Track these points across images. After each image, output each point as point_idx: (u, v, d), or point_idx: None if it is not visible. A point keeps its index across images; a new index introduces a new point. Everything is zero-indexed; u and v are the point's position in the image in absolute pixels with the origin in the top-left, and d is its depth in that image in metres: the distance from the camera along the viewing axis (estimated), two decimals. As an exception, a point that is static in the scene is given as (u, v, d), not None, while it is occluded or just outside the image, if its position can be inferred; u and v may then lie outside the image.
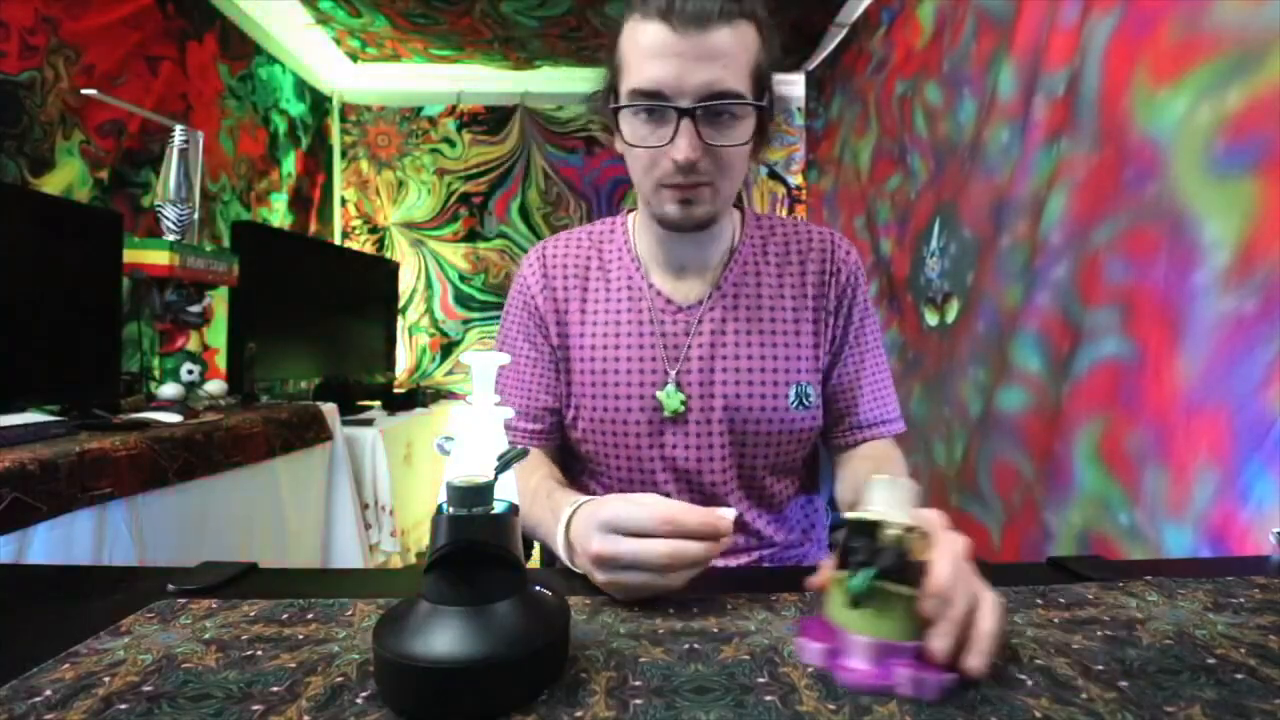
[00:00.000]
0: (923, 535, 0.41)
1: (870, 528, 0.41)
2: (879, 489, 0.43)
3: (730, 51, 0.65)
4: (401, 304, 3.19)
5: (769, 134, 0.76)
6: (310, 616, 0.49)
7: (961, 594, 0.40)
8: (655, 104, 0.67)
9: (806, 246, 0.83)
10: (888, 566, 0.39)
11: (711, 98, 0.65)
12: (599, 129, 3.27)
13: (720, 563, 0.82)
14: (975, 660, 0.38)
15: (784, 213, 3.32)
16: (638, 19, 0.67)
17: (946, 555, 0.41)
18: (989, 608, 0.40)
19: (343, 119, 3.29)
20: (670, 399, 0.78)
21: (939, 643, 0.39)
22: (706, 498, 0.80)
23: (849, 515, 0.42)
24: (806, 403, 0.79)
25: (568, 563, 0.59)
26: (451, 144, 3.29)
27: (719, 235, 0.81)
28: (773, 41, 0.70)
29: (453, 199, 3.29)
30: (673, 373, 0.78)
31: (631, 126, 0.70)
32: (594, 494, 0.86)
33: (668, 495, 0.80)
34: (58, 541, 1.02)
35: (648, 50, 0.66)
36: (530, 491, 0.71)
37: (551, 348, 0.83)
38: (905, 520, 0.41)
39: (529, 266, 0.86)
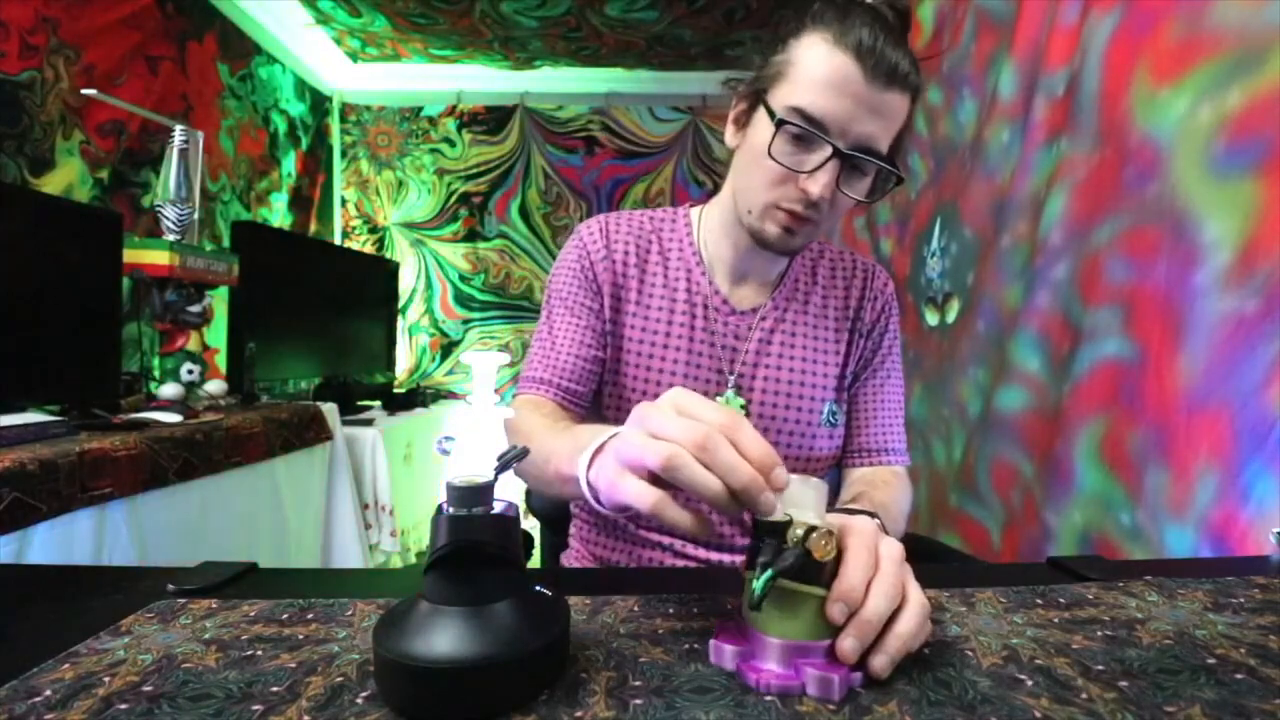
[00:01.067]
0: (829, 535, 0.39)
1: (776, 528, 0.40)
2: (790, 488, 0.42)
3: (895, 115, 0.67)
4: (401, 304, 3.19)
5: (877, 199, 0.76)
6: (310, 616, 0.49)
7: (877, 594, 0.39)
8: (816, 134, 0.66)
9: (850, 272, 0.87)
10: (786, 568, 0.38)
11: (865, 150, 0.67)
12: (599, 129, 3.27)
13: (722, 559, 0.83)
14: (878, 659, 0.38)
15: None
16: (829, 41, 0.65)
17: (858, 556, 0.40)
18: (909, 609, 0.40)
19: (343, 119, 3.29)
20: (732, 404, 0.79)
21: (844, 643, 0.38)
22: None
23: (758, 517, 0.42)
24: (834, 421, 0.83)
25: (589, 498, 0.49)
26: (451, 144, 3.29)
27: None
28: (915, 111, 0.71)
29: (453, 199, 3.29)
30: (731, 377, 0.80)
31: (776, 141, 0.68)
32: None
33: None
34: (58, 541, 1.02)
35: (830, 79, 0.65)
36: (541, 427, 0.67)
37: (603, 319, 0.81)
38: (813, 520, 0.40)
39: (591, 234, 0.83)
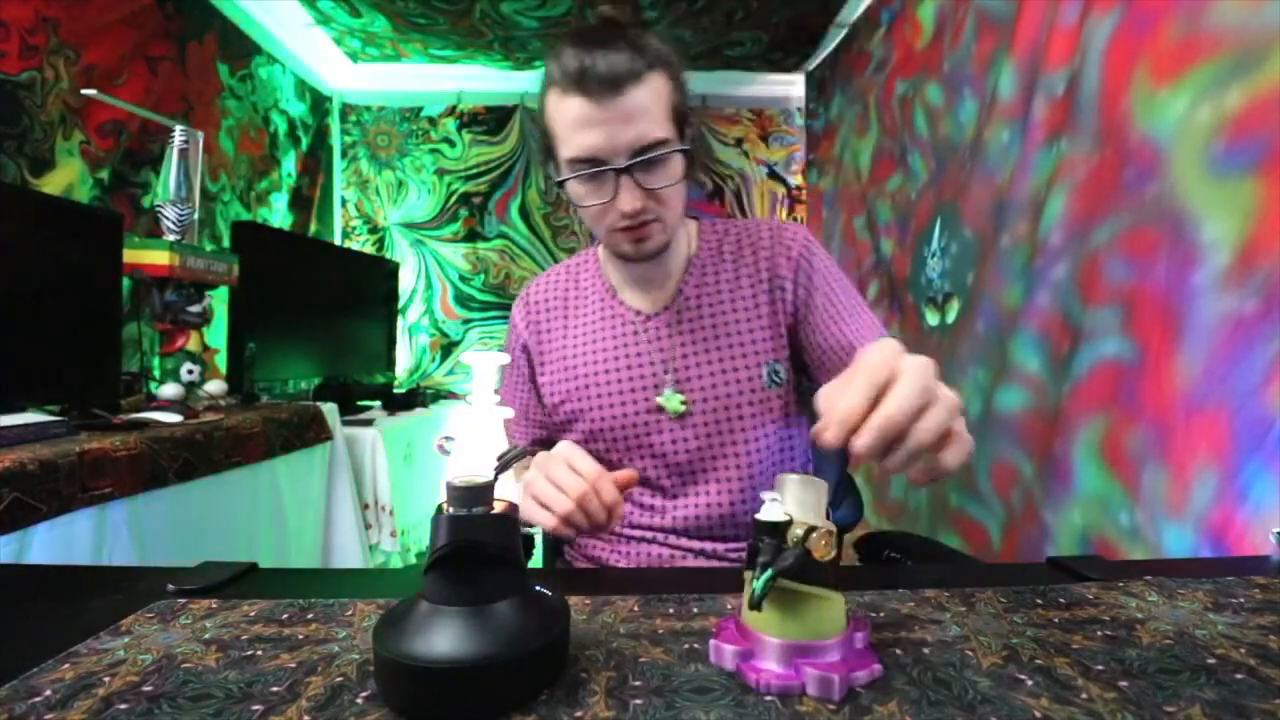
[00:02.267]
0: (829, 534, 0.39)
1: (776, 528, 0.40)
2: (790, 487, 0.42)
3: (647, 106, 0.71)
4: (401, 304, 3.19)
5: (697, 162, 0.83)
6: (310, 616, 0.49)
7: (866, 373, 0.42)
8: (593, 170, 0.73)
9: (756, 239, 0.89)
10: (786, 568, 0.38)
11: (641, 151, 0.72)
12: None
13: (721, 561, 0.83)
14: (860, 439, 0.40)
15: (784, 213, 3.32)
16: (558, 92, 0.72)
17: (866, 375, 0.43)
18: (899, 388, 0.42)
19: (343, 119, 3.29)
20: (670, 401, 0.84)
21: (827, 434, 0.41)
22: (703, 486, 0.84)
23: (757, 516, 0.42)
24: (778, 379, 0.84)
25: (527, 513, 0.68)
26: (451, 144, 3.29)
27: (676, 250, 0.87)
28: (680, 76, 0.76)
29: (453, 199, 3.29)
30: (668, 377, 0.84)
31: (576, 190, 0.76)
32: None
33: (663, 490, 0.86)
34: (58, 541, 1.02)
35: (574, 123, 0.72)
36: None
37: (537, 388, 0.94)
38: (812, 520, 0.40)
39: (516, 312, 0.96)
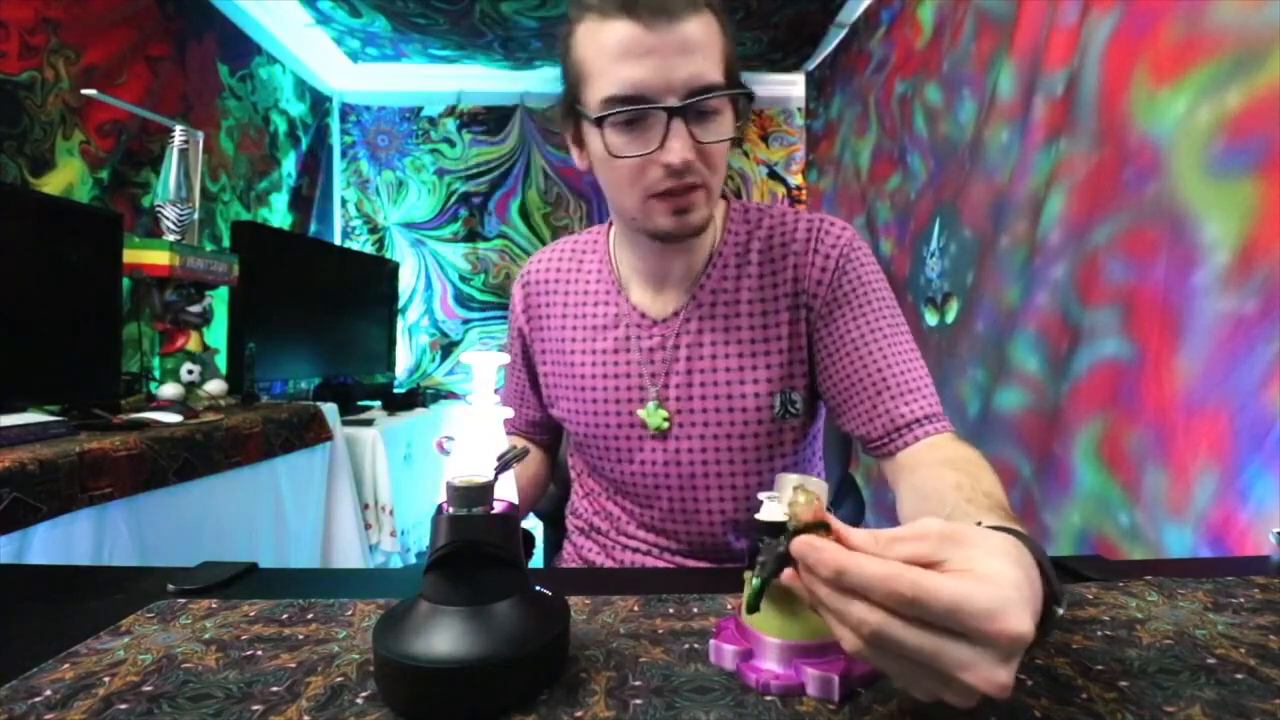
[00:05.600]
0: (826, 532, 0.39)
1: (776, 528, 0.39)
2: (789, 487, 0.41)
3: (705, 42, 0.61)
4: (401, 304, 3.19)
5: (745, 127, 0.71)
6: (310, 616, 0.49)
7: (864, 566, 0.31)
8: (642, 108, 0.60)
9: (790, 237, 0.74)
10: (769, 573, 0.37)
11: (698, 92, 0.60)
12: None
13: (717, 566, 0.82)
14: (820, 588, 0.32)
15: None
16: (595, 19, 0.61)
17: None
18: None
19: (343, 119, 3.29)
20: (652, 416, 0.75)
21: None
22: (694, 512, 0.78)
23: (757, 516, 0.41)
24: (794, 410, 0.74)
25: None
26: (451, 144, 3.29)
27: (700, 239, 0.74)
28: (732, 31, 0.66)
29: (453, 199, 3.29)
30: (653, 390, 0.76)
31: (612, 139, 0.63)
32: (592, 492, 0.88)
33: (654, 507, 0.80)
34: (58, 541, 1.02)
35: (618, 50, 0.60)
36: None
37: (533, 373, 0.88)
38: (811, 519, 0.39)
39: (516, 290, 0.88)
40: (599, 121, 0.63)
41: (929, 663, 0.29)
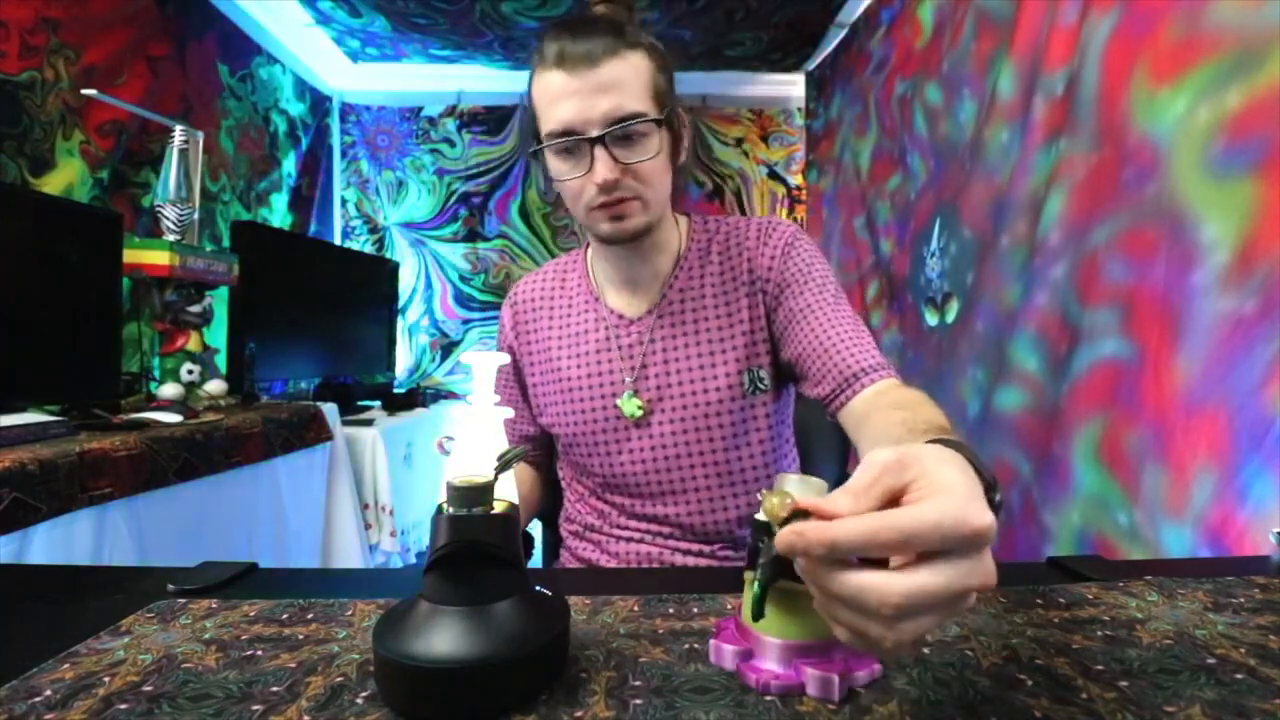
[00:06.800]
0: (806, 517, 0.38)
1: (770, 527, 0.39)
2: (789, 487, 0.40)
3: (622, 79, 0.72)
4: (401, 304, 3.19)
5: (683, 143, 0.81)
6: (310, 616, 0.49)
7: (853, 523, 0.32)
8: (568, 140, 0.73)
9: (743, 237, 0.86)
10: (768, 576, 0.37)
11: (614, 122, 0.71)
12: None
13: (712, 560, 0.83)
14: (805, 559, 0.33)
15: (783, 213, 3.32)
16: (542, 69, 0.74)
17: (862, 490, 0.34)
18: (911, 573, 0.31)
19: (343, 119, 3.29)
20: (628, 404, 0.83)
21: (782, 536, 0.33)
22: (680, 492, 0.83)
23: (756, 516, 0.41)
24: (762, 386, 0.82)
25: None
26: (451, 144, 3.29)
27: (664, 246, 0.85)
28: (666, 63, 0.77)
29: (453, 199, 3.29)
30: (629, 381, 0.84)
31: (555, 165, 0.76)
32: (583, 494, 0.91)
33: (642, 494, 0.85)
34: (58, 541, 1.02)
35: (552, 96, 0.73)
36: None
37: (523, 387, 0.94)
38: (788, 514, 0.38)
39: (504, 312, 0.96)
40: (534, 153, 0.78)
41: (954, 590, 0.31)
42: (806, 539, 0.32)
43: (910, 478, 0.33)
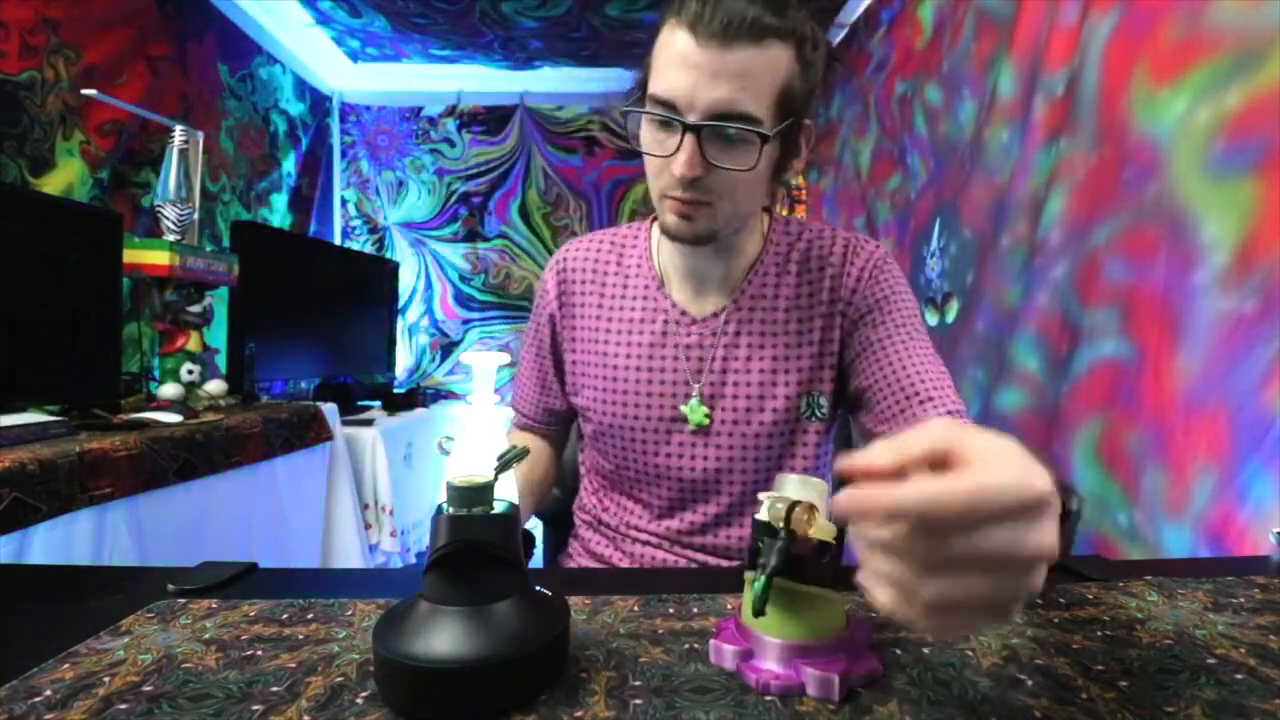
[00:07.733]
0: (810, 509, 0.37)
1: (775, 529, 0.39)
2: (790, 487, 0.41)
3: (750, 72, 0.63)
4: (401, 304, 3.19)
5: (795, 162, 0.73)
6: (310, 616, 0.49)
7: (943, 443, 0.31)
8: (663, 115, 0.65)
9: (828, 251, 0.80)
10: (774, 568, 0.37)
11: (719, 117, 0.63)
12: (599, 129, 3.27)
13: (726, 562, 0.82)
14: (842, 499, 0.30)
15: (783, 213, 3.31)
16: (672, 24, 0.65)
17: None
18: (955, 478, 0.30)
19: (342, 119, 3.29)
20: (694, 413, 0.78)
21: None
22: (711, 505, 0.80)
23: (756, 516, 0.41)
24: (819, 413, 0.78)
25: None
26: (451, 144, 3.29)
27: (738, 249, 0.79)
28: (813, 64, 0.68)
29: (453, 199, 3.29)
30: (696, 386, 0.79)
31: (646, 131, 0.69)
32: (602, 487, 0.88)
33: (671, 499, 0.82)
34: (58, 541, 1.02)
35: (671, 59, 0.64)
36: None
37: (558, 360, 0.88)
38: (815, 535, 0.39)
39: (549, 274, 0.88)
40: (624, 112, 0.70)
41: (1010, 553, 0.29)
42: (868, 504, 0.29)
43: (961, 445, 0.31)
